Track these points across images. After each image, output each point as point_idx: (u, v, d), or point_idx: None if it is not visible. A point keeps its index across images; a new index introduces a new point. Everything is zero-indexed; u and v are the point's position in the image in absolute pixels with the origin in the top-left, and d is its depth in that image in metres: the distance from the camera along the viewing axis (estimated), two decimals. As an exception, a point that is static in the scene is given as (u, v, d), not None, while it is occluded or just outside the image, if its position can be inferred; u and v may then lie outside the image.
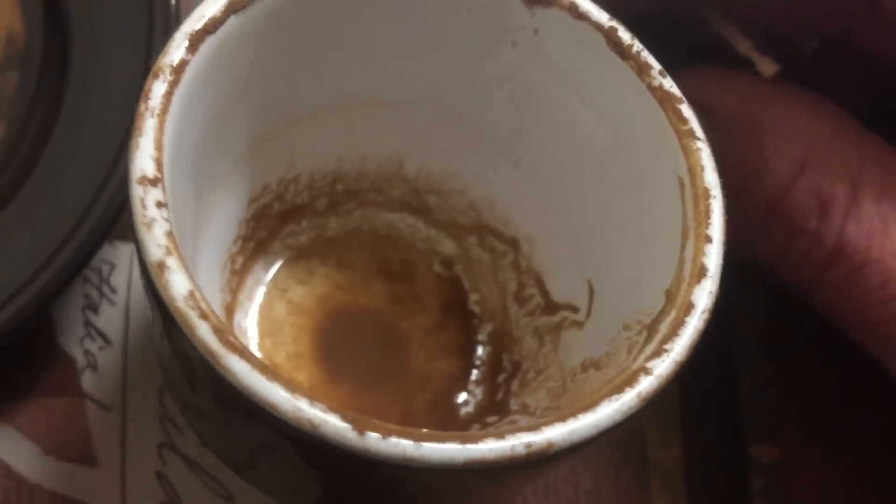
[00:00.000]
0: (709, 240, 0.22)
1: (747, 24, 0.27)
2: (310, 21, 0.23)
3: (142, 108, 0.20)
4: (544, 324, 0.27)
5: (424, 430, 0.18)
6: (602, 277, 0.25)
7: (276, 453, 0.21)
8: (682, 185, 0.22)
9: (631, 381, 0.20)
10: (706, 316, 0.21)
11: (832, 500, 0.30)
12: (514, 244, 0.28)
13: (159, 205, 0.19)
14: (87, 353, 0.28)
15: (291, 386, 0.18)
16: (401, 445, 0.18)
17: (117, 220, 0.26)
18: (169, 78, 0.20)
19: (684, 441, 0.30)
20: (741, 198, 0.25)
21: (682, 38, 0.28)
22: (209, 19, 0.21)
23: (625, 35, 0.23)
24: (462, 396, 0.28)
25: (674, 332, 0.20)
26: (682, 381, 0.31)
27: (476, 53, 0.25)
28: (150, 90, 0.20)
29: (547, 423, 0.19)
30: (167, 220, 0.19)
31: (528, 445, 0.19)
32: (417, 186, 0.29)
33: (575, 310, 0.26)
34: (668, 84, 0.23)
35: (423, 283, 0.29)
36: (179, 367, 0.21)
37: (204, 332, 0.18)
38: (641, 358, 0.20)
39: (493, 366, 0.28)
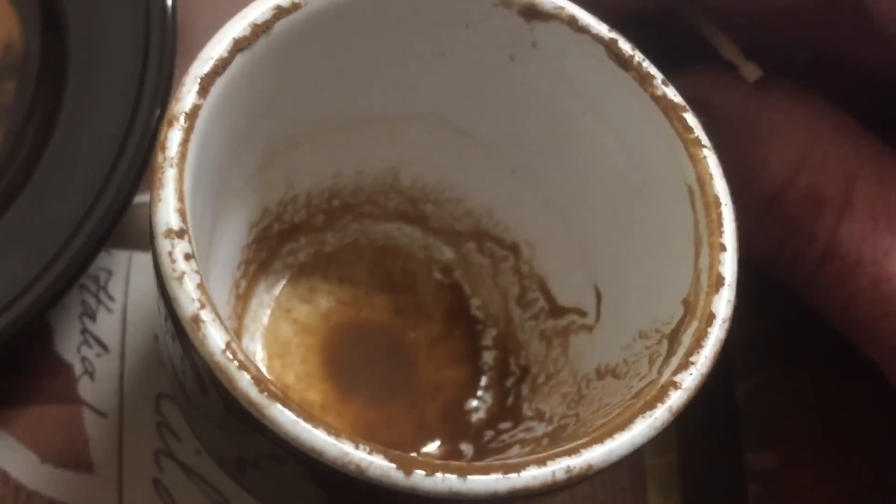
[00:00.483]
0: (723, 248, 0.22)
1: (736, 32, 0.27)
2: (313, 50, 0.23)
3: (160, 159, 0.20)
4: (551, 327, 0.28)
5: (467, 463, 0.19)
6: (610, 282, 0.26)
7: (289, 474, 0.21)
8: (691, 193, 0.23)
9: (661, 396, 0.20)
10: (727, 325, 0.21)
11: None
12: (514, 249, 0.28)
13: (188, 257, 0.19)
14: (84, 360, 0.28)
15: (335, 431, 0.18)
16: (447, 481, 0.19)
17: (114, 228, 0.26)
18: (184, 125, 0.20)
19: (681, 447, 0.30)
20: (738, 196, 0.26)
21: (671, 42, 0.28)
22: (217, 60, 0.21)
23: (625, 46, 0.23)
24: (473, 403, 0.28)
25: (697, 344, 0.21)
26: None
27: (474, 68, 0.25)
28: (166, 140, 0.20)
29: (585, 446, 0.19)
30: (197, 272, 0.19)
31: (569, 470, 0.19)
32: (413, 196, 0.29)
33: (582, 314, 0.27)
34: (672, 93, 0.23)
35: (425, 291, 0.29)
36: (223, 409, 0.21)
37: (245, 384, 0.18)
38: (668, 371, 0.21)
39: (501, 370, 0.28)
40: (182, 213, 0.19)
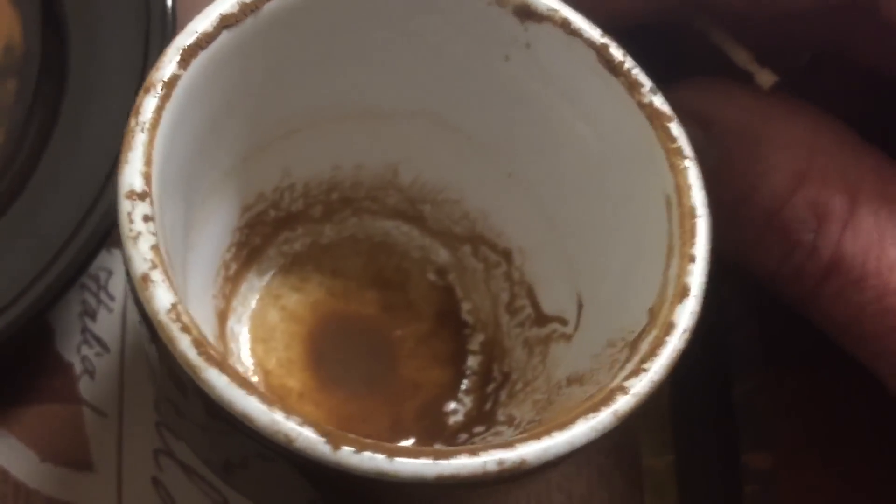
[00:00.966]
0: (692, 259, 0.22)
1: (743, 36, 0.27)
2: (302, 35, 0.24)
3: (132, 123, 0.20)
4: (534, 335, 0.27)
5: (398, 445, 0.19)
6: (590, 292, 0.26)
7: (261, 461, 0.21)
8: (668, 203, 0.23)
9: (607, 400, 0.20)
10: (687, 336, 0.21)
11: None
12: (506, 255, 0.28)
13: (146, 219, 0.20)
14: (84, 359, 0.29)
15: (268, 399, 0.19)
16: (374, 460, 0.19)
17: (115, 228, 0.27)
18: (160, 93, 0.21)
19: (677, 448, 0.30)
20: (739, 210, 0.25)
21: (678, 51, 0.28)
22: (201, 34, 0.21)
23: (616, 52, 0.23)
24: (451, 405, 0.28)
25: (653, 352, 0.21)
26: (675, 389, 0.31)
27: (470, 67, 0.25)
28: (140, 105, 0.20)
29: (521, 441, 0.19)
30: (153, 233, 0.20)
31: (501, 462, 0.19)
32: (412, 195, 0.29)
33: (564, 322, 0.26)
34: (659, 101, 0.23)
35: (417, 291, 0.29)
36: (167, 374, 0.21)
37: (185, 345, 0.19)
38: (620, 376, 0.21)
39: (484, 376, 0.28)
40: (147, 177, 0.20)
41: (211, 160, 0.24)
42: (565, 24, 0.24)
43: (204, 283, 0.26)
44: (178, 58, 0.21)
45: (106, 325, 0.29)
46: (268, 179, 0.27)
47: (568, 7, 0.24)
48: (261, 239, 0.28)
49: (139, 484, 0.28)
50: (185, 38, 0.21)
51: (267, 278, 0.28)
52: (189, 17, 0.22)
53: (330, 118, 0.27)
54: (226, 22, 0.22)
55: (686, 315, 0.21)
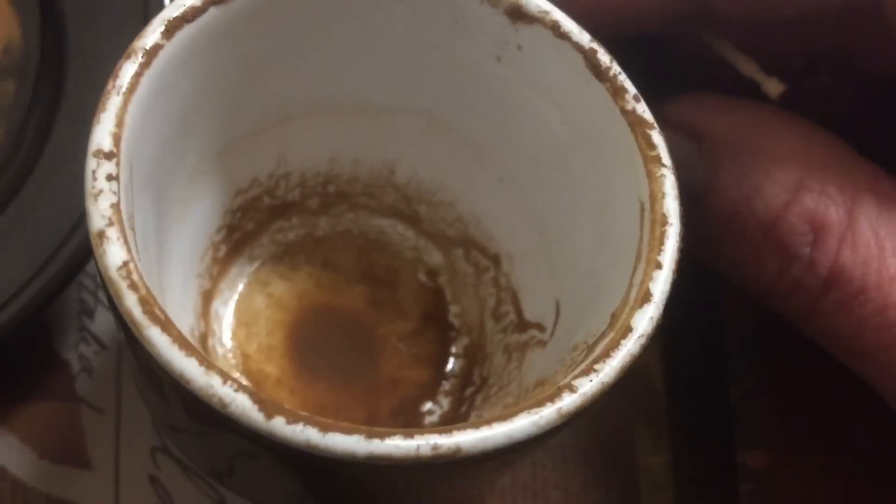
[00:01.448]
0: (659, 266, 0.21)
1: (746, 44, 0.26)
2: (296, 19, 0.24)
3: (109, 86, 0.21)
4: (514, 341, 0.27)
5: (333, 421, 0.19)
6: (567, 298, 0.25)
7: (245, 458, 0.21)
8: (642, 209, 0.22)
9: (553, 396, 0.20)
10: (643, 341, 0.21)
11: None
12: (496, 260, 0.28)
13: (109, 178, 0.20)
14: (81, 357, 0.29)
15: (208, 363, 0.19)
16: (306, 433, 0.18)
17: None
18: (140, 60, 0.21)
19: (673, 447, 0.30)
20: (733, 224, 0.25)
21: (678, 62, 0.28)
22: (188, 8, 0.22)
23: (604, 57, 0.23)
24: (428, 405, 0.28)
25: (606, 354, 0.20)
26: (671, 388, 0.31)
27: (464, 66, 0.25)
28: (119, 69, 0.21)
29: (459, 429, 0.19)
30: (115, 193, 0.20)
31: (435, 447, 0.19)
32: (408, 194, 0.29)
33: (542, 329, 0.26)
34: (641, 109, 0.23)
35: (406, 290, 0.29)
36: (130, 349, 0.21)
37: (130, 302, 0.19)
38: (570, 376, 0.20)
39: (464, 379, 0.28)
40: (116, 138, 0.20)
41: (199, 137, 0.25)
42: (555, 27, 0.24)
43: (189, 261, 0.27)
44: (161, 28, 0.21)
45: (104, 323, 0.30)
46: (262, 165, 0.28)
47: (559, 10, 0.24)
48: (254, 225, 0.29)
49: (137, 481, 0.28)
50: (172, 10, 0.22)
51: (257, 264, 0.29)
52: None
53: (326, 109, 0.27)
54: (215, -2, 0.22)
55: (645, 320, 0.21)
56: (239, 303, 0.28)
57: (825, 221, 0.24)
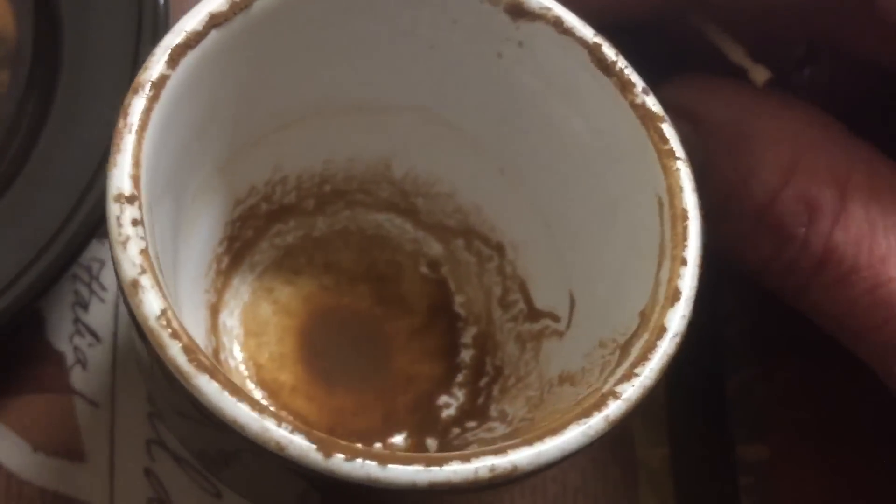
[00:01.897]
0: (684, 262, 0.22)
1: (738, 31, 0.26)
2: (293, 30, 0.23)
3: (120, 124, 0.20)
4: (526, 331, 0.27)
5: (389, 452, 0.19)
6: (583, 289, 0.26)
7: (253, 457, 0.21)
8: (661, 205, 0.22)
9: (599, 404, 0.20)
10: (678, 340, 0.21)
11: (820, 499, 0.30)
12: (499, 249, 0.28)
13: (135, 223, 0.19)
14: (76, 349, 0.29)
15: (259, 406, 0.19)
16: (366, 467, 0.19)
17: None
18: (148, 94, 0.20)
19: (672, 440, 0.30)
20: (729, 205, 0.25)
21: (671, 48, 0.28)
22: (190, 34, 0.21)
23: (609, 52, 0.23)
24: (444, 399, 0.28)
25: (644, 357, 0.21)
26: (670, 381, 0.31)
27: (463, 63, 0.25)
28: (129, 106, 0.20)
29: (512, 447, 0.19)
30: (143, 238, 0.19)
31: (493, 469, 0.19)
32: (405, 188, 0.29)
33: (556, 319, 0.26)
34: (651, 102, 0.23)
35: (410, 284, 0.29)
36: (159, 373, 0.21)
37: (175, 352, 0.19)
38: (612, 381, 0.21)
39: (477, 369, 0.28)
40: (135, 180, 0.20)
41: (201, 157, 0.24)
42: (558, 23, 0.23)
43: (196, 278, 0.26)
44: (166, 58, 0.21)
45: (98, 315, 0.29)
46: (259, 173, 0.27)
47: (560, 6, 0.23)
48: (253, 232, 0.28)
49: (131, 474, 0.28)
50: (174, 37, 0.21)
51: (259, 271, 0.28)
52: (182, 11, 0.22)
53: (322, 112, 0.26)
54: (215, 21, 0.21)
55: (677, 319, 0.21)
56: (245, 312, 0.28)
57: (819, 202, 0.24)
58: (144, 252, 0.19)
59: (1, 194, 0.27)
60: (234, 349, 0.27)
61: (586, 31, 0.23)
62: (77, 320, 0.29)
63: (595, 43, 0.23)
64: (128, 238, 0.19)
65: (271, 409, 0.19)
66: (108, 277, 0.29)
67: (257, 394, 0.27)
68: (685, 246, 0.22)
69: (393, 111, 0.27)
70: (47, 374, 0.28)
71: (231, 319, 0.28)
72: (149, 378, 0.24)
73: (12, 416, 0.28)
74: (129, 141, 0.20)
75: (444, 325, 0.29)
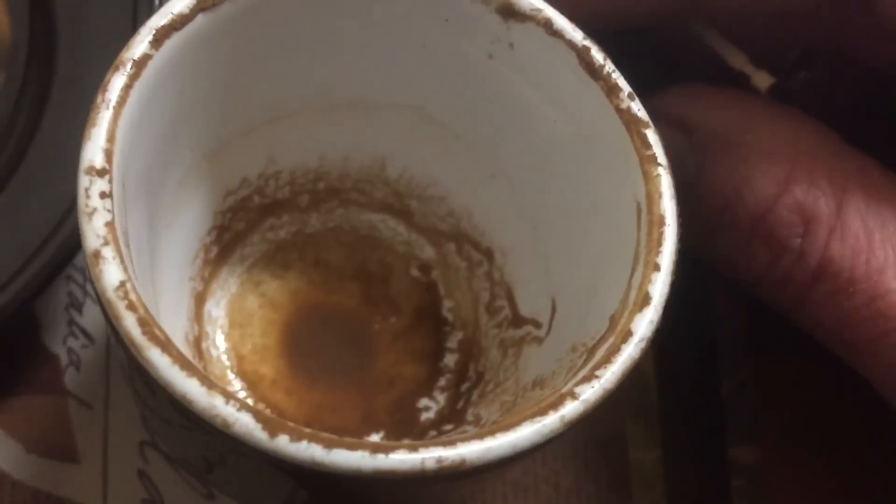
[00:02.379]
0: (657, 268, 0.21)
1: (738, 36, 0.26)
2: (283, 21, 0.24)
3: (98, 99, 0.20)
4: (510, 337, 0.27)
5: (336, 437, 0.19)
6: (563, 295, 0.25)
7: (235, 458, 0.21)
8: (639, 210, 0.22)
9: (556, 404, 0.20)
10: (643, 345, 0.21)
11: (812, 501, 0.29)
12: (489, 254, 0.28)
13: (103, 195, 0.20)
14: (70, 351, 0.29)
15: (209, 382, 0.19)
16: (311, 450, 0.18)
17: None
18: (129, 71, 0.21)
19: (665, 442, 0.30)
20: (724, 216, 0.25)
21: (673, 55, 0.27)
22: (176, 16, 0.21)
23: (597, 55, 0.23)
24: (424, 402, 0.28)
25: (608, 359, 0.20)
26: (662, 383, 0.31)
27: (455, 63, 0.25)
28: (108, 82, 0.21)
29: (463, 440, 0.19)
30: (109, 210, 0.20)
31: (440, 461, 0.19)
32: (399, 189, 0.29)
33: (538, 325, 0.26)
34: (636, 107, 0.23)
35: (399, 286, 0.29)
36: (121, 351, 0.21)
37: (129, 323, 0.19)
38: (572, 381, 0.20)
39: (460, 374, 0.28)
40: (108, 154, 0.20)
41: (188, 142, 0.24)
42: (548, 25, 0.23)
43: (181, 265, 0.27)
44: (150, 38, 0.21)
45: (92, 317, 0.29)
46: (252, 165, 0.27)
47: (551, 8, 0.23)
48: (245, 224, 0.28)
49: (125, 476, 0.28)
50: (160, 18, 0.21)
51: (249, 264, 0.28)
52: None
53: (315, 107, 0.27)
54: (203, 5, 0.22)
55: (644, 324, 0.21)
56: (232, 304, 0.28)
57: (815, 213, 0.24)
58: (110, 224, 0.19)
59: (-3, 194, 0.27)
60: (217, 338, 0.28)
61: (576, 34, 0.23)
62: (71, 322, 0.29)
63: (584, 46, 0.23)
64: (94, 210, 0.20)
65: (223, 387, 0.19)
66: (102, 279, 0.30)
67: (236, 384, 0.27)
68: (659, 252, 0.21)
69: (387, 110, 0.27)
70: (41, 376, 0.29)
71: (217, 309, 0.28)
72: (129, 383, 0.24)
73: (6, 418, 0.28)
74: (105, 116, 0.20)
75: (430, 328, 0.29)
